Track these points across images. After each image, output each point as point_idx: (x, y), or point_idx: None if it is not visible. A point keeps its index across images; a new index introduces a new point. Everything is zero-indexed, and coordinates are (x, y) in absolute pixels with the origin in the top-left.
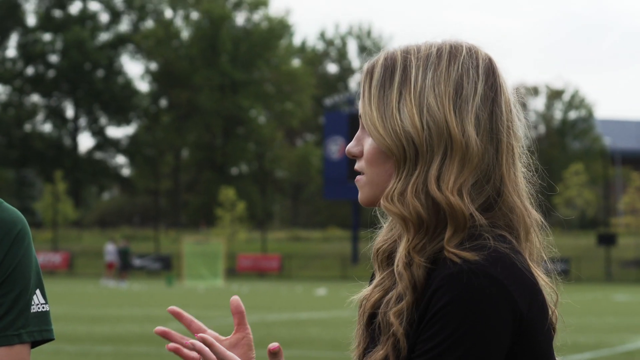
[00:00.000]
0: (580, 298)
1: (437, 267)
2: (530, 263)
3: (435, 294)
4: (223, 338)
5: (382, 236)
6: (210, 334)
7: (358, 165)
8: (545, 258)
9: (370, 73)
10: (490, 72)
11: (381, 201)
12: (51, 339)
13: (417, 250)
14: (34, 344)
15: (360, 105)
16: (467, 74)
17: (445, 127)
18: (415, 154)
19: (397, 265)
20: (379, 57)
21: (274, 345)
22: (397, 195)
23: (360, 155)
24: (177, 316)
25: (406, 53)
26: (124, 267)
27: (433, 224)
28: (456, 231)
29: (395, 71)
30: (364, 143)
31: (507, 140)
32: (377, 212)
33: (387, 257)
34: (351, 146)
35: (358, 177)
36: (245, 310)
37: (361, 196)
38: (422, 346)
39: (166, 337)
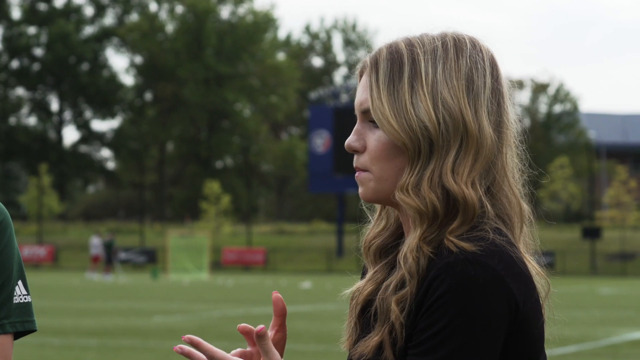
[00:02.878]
0: (565, 291)
1: (437, 256)
2: (524, 255)
3: (433, 283)
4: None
5: (372, 230)
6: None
7: (358, 162)
8: (537, 248)
9: (374, 65)
10: (494, 64)
11: (396, 193)
12: (33, 330)
13: (428, 242)
14: (17, 335)
15: (367, 99)
16: (476, 66)
17: (462, 120)
18: (430, 147)
19: (405, 255)
20: (382, 50)
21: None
22: (412, 188)
23: (362, 151)
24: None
25: (411, 46)
26: (109, 260)
27: (444, 215)
28: (464, 223)
29: (404, 64)
30: (366, 137)
31: (507, 132)
32: (364, 206)
33: (380, 253)
34: (352, 140)
35: (359, 174)
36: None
37: (366, 192)
38: (419, 336)
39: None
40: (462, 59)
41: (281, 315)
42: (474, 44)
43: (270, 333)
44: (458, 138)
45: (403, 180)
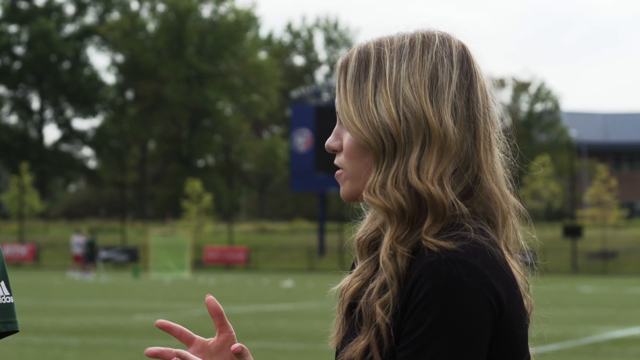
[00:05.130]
0: (546, 290)
1: (417, 256)
2: (506, 254)
3: (416, 284)
4: (209, 342)
5: (363, 227)
6: (198, 341)
7: (338, 160)
8: (523, 245)
9: (344, 67)
10: (464, 59)
11: (363, 194)
12: (15, 331)
13: (400, 241)
14: None
15: (337, 100)
16: (442, 62)
17: (423, 117)
18: (394, 145)
19: (382, 256)
20: (352, 51)
21: (235, 346)
22: (378, 188)
23: (339, 150)
24: (167, 329)
25: (379, 45)
26: (91, 259)
27: (415, 214)
28: (435, 221)
29: (370, 64)
30: (343, 137)
31: (484, 127)
32: (361, 205)
33: (368, 247)
34: (330, 141)
35: (338, 172)
36: (223, 310)
37: (343, 191)
38: (407, 338)
39: (168, 331)
40: (427, 55)
41: (217, 315)
42: (443, 40)
43: (219, 338)
44: (420, 135)
45: (370, 180)
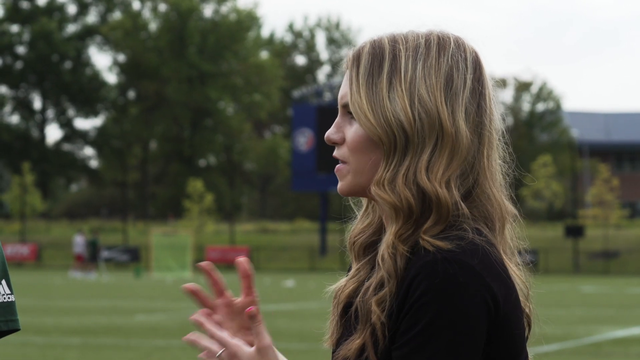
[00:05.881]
0: (548, 289)
1: (414, 256)
2: (503, 256)
3: (412, 283)
4: (235, 301)
5: (358, 227)
6: (227, 295)
7: (338, 153)
8: (519, 250)
9: (356, 60)
10: (477, 65)
11: (372, 187)
12: (17, 329)
13: (403, 239)
14: (0, 334)
15: (347, 93)
16: (457, 66)
17: (437, 118)
18: (406, 143)
19: (382, 253)
20: (365, 44)
21: (252, 307)
22: (387, 183)
23: (340, 143)
24: (207, 273)
25: (394, 42)
26: (92, 258)
27: (419, 213)
28: (438, 222)
29: (384, 60)
30: (345, 130)
31: (489, 133)
32: (351, 202)
33: (364, 249)
34: (331, 133)
35: (339, 166)
36: (253, 274)
37: (342, 185)
38: (402, 337)
39: (195, 295)
40: (443, 58)
41: (246, 277)
42: (459, 44)
43: (243, 300)
44: (433, 136)
45: (379, 174)
